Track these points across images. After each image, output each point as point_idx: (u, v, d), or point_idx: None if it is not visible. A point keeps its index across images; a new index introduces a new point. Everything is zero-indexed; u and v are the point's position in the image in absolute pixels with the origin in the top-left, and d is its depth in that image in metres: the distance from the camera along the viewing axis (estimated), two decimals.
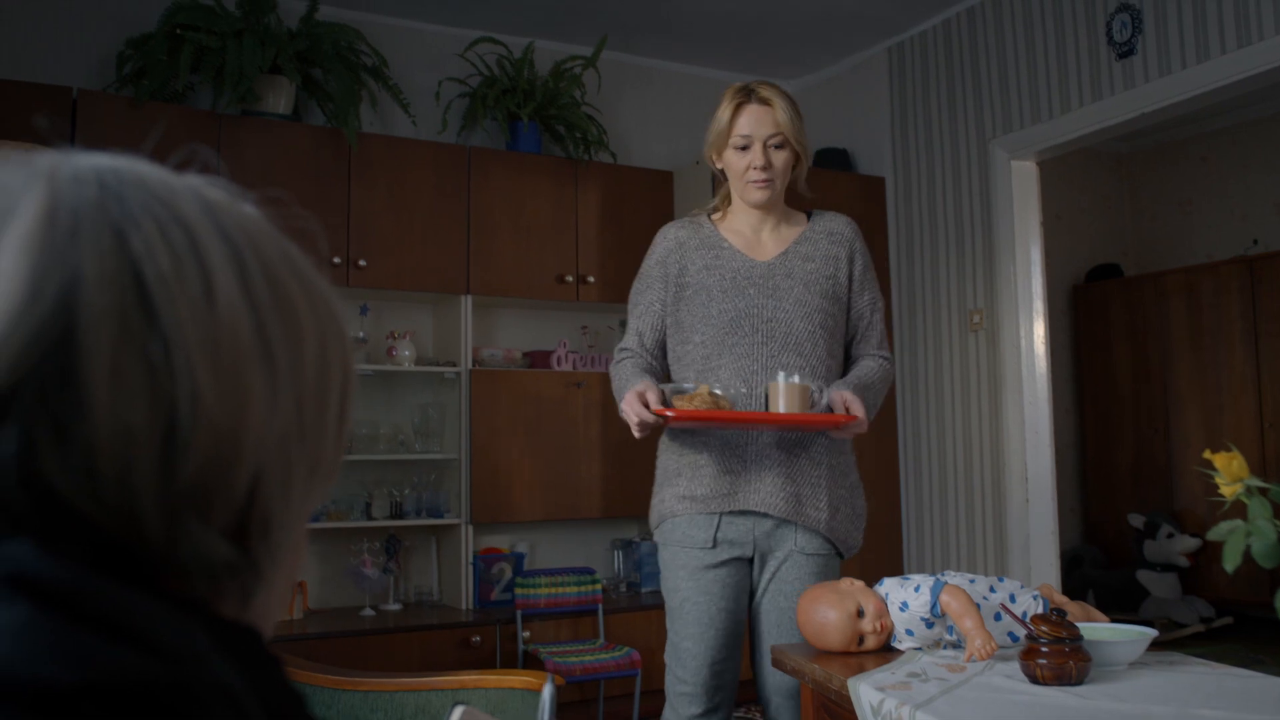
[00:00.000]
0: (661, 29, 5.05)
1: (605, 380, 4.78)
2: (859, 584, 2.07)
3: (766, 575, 2.33)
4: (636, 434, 2.22)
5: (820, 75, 5.67)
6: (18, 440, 0.44)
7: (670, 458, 2.37)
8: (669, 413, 2.14)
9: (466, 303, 4.56)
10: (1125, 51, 4.12)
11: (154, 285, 0.47)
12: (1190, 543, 6.19)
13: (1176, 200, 7.06)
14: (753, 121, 2.31)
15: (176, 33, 4.06)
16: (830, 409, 2.27)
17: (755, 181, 2.33)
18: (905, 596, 2.00)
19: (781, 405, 2.19)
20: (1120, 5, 4.14)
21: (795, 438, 2.31)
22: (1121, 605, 6.13)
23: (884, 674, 1.82)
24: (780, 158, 2.33)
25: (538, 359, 4.80)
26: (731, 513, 2.29)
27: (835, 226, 2.46)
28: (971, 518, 4.79)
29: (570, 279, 4.78)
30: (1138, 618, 5.96)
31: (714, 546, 2.29)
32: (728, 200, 2.46)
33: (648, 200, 5.00)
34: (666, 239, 2.44)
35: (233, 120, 4.16)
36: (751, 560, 2.34)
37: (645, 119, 5.42)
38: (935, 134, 5.05)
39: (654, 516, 2.39)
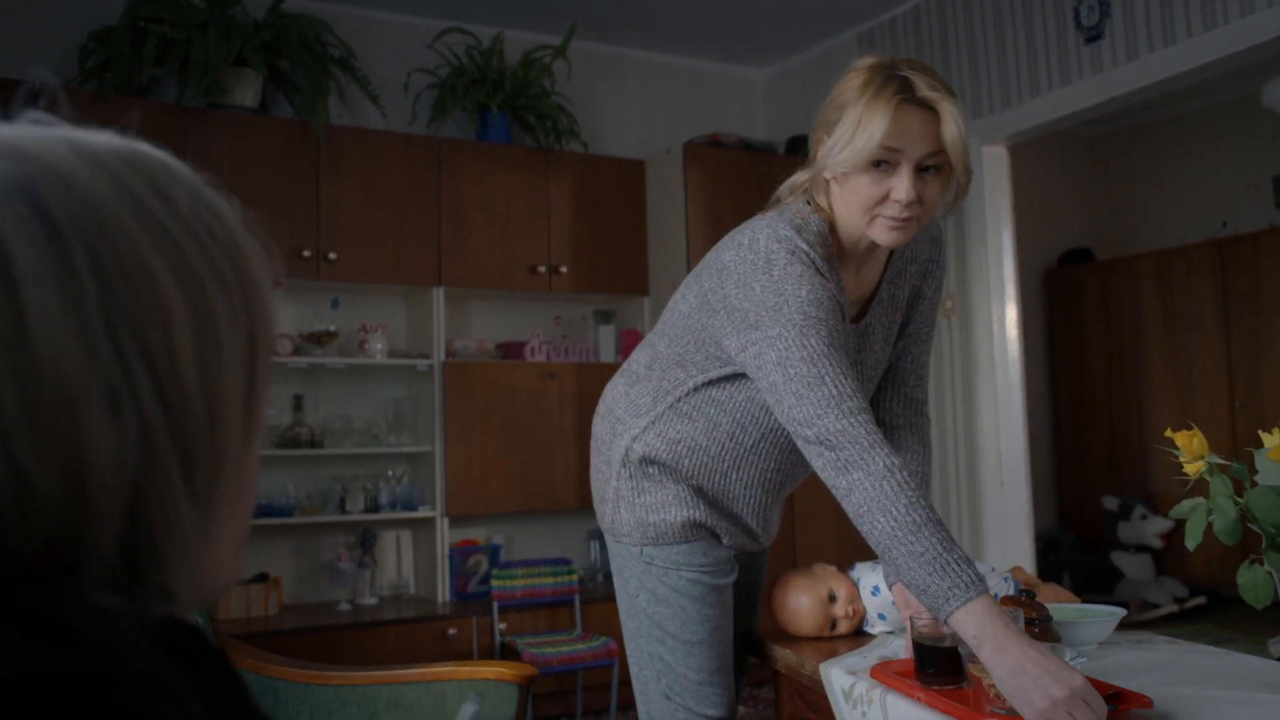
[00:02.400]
0: (631, 17, 5.03)
1: (579, 371, 4.77)
2: (831, 569, 2.07)
3: (750, 569, 2.10)
4: None
5: (790, 63, 5.66)
6: None
7: (664, 468, 1.89)
8: None
9: (439, 295, 4.53)
10: (1093, 36, 4.13)
11: None
12: (1163, 524, 6.24)
13: (1147, 183, 7.11)
14: (912, 128, 1.58)
15: (140, 25, 4.02)
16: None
17: (894, 219, 1.63)
18: (877, 580, 2.01)
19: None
20: None
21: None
22: (1096, 587, 6.17)
23: (855, 658, 1.83)
24: (934, 188, 1.63)
25: (511, 350, 4.78)
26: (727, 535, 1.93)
27: (923, 252, 1.89)
28: (946, 503, 4.81)
29: (543, 270, 4.77)
30: (1112, 599, 6.01)
31: (732, 564, 1.94)
32: (824, 208, 1.73)
33: (620, 190, 4.99)
34: (810, 259, 1.65)
35: (199, 113, 4.12)
36: None
37: (616, 108, 5.40)
38: None
39: (647, 533, 1.89)
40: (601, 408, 2.03)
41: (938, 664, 1.59)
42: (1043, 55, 4.36)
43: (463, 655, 4.16)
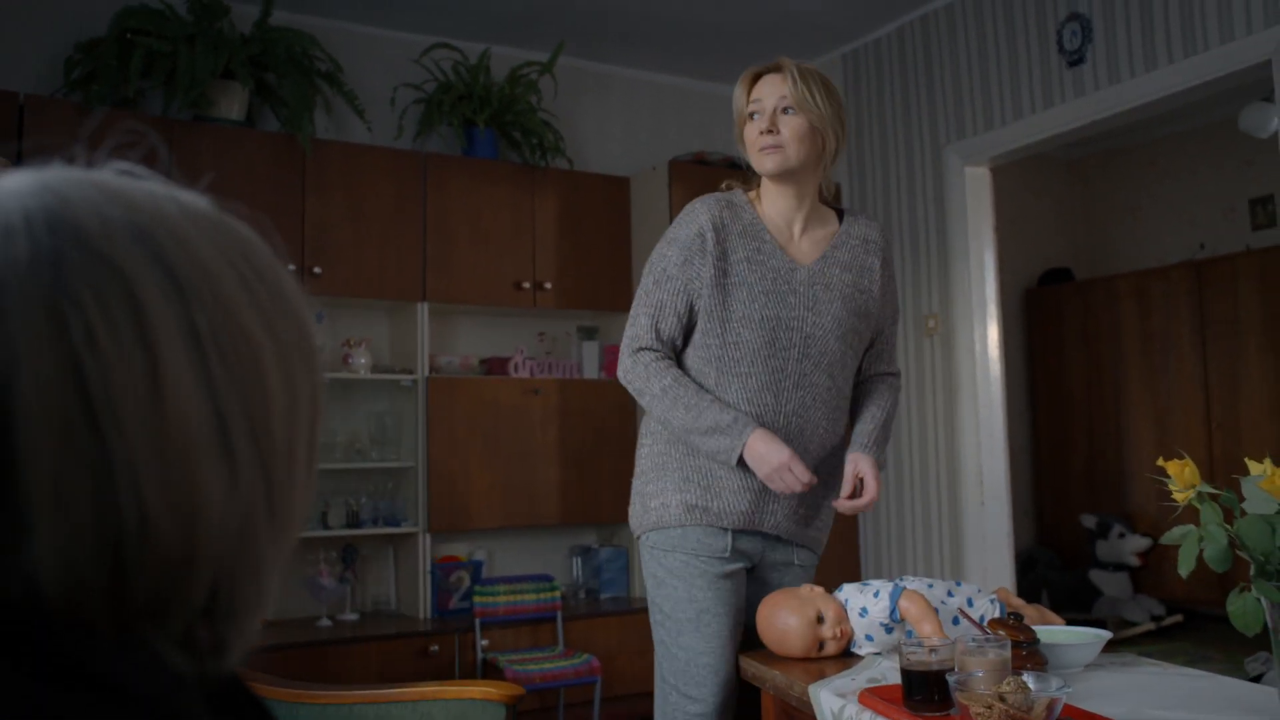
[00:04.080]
0: (618, 35, 5.06)
1: (563, 387, 4.78)
2: (819, 590, 2.08)
3: (769, 585, 2.24)
4: (787, 489, 2.11)
5: None
6: None
7: (674, 457, 2.19)
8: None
9: (423, 310, 4.53)
10: (1075, 60, 4.18)
11: (96, 386, 0.43)
12: (1141, 542, 6.29)
13: (1126, 205, 7.18)
14: (762, 88, 2.18)
15: (127, 37, 4.01)
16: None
17: (764, 148, 2.15)
18: (865, 602, 2.02)
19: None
20: (1070, 14, 4.21)
21: (818, 461, 2.24)
22: (1075, 605, 6.21)
23: (844, 680, 1.84)
24: (790, 125, 2.15)
25: (495, 366, 4.78)
26: (743, 530, 2.19)
27: (870, 233, 2.32)
28: (928, 521, 4.83)
29: (527, 286, 4.77)
30: (1090, 617, 6.05)
31: (730, 555, 2.17)
32: (758, 180, 2.27)
33: (605, 206, 5.00)
34: (702, 216, 2.18)
35: (185, 126, 4.11)
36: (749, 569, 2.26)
37: (602, 125, 5.42)
38: (890, 140, 5.10)
39: (648, 519, 2.20)
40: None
41: (925, 691, 1.60)
42: (1025, 78, 4.41)
43: (444, 672, 4.14)
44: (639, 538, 2.24)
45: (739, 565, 2.21)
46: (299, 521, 0.53)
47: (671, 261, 2.17)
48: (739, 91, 2.22)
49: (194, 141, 4.11)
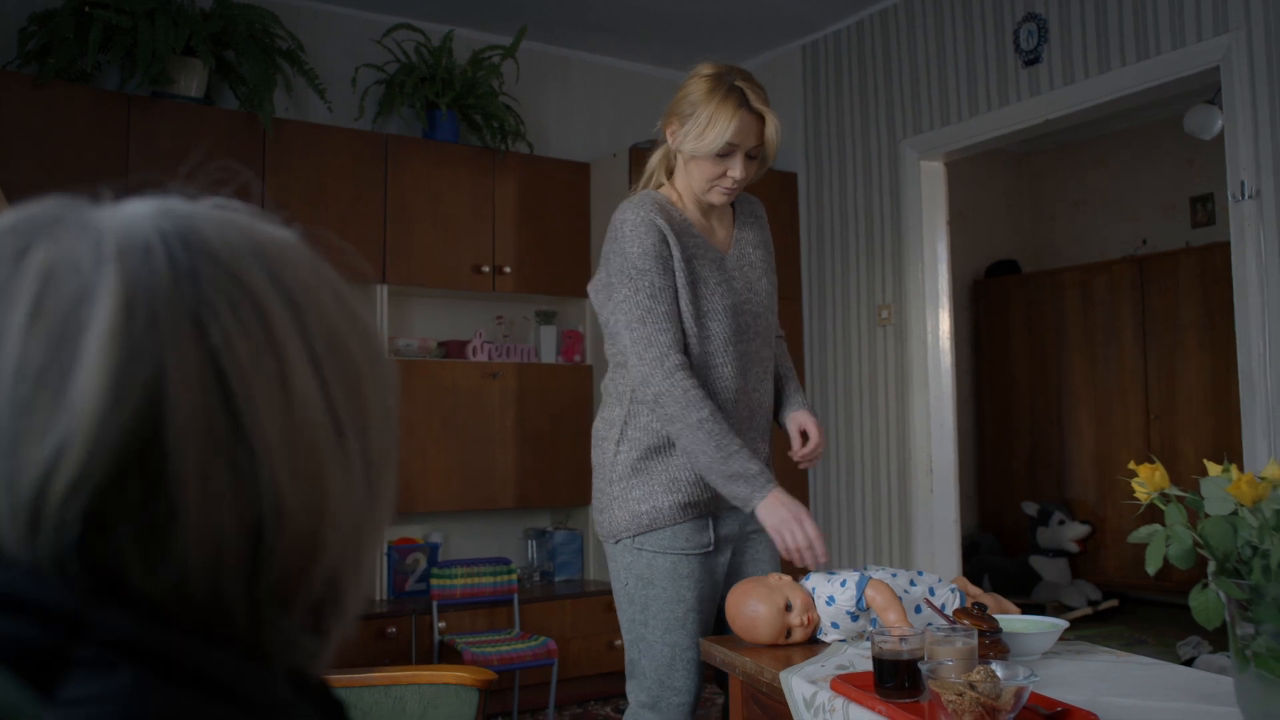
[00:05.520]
0: (580, 20, 5.06)
1: (521, 371, 4.80)
2: (786, 579, 2.13)
3: (743, 556, 2.33)
4: (792, 544, 2.14)
5: None
6: (107, 549, 0.45)
7: (658, 462, 2.24)
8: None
9: (382, 292, 4.52)
10: (1031, 59, 4.27)
11: (236, 384, 0.47)
12: (1080, 529, 6.48)
13: (1072, 200, 7.34)
14: (744, 129, 2.17)
15: (85, 10, 3.94)
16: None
17: (726, 190, 2.23)
18: (831, 591, 2.08)
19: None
20: (1027, 15, 4.29)
21: (760, 431, 2.35)
22: (1015, 589, 6.37)
23: (814, 667, 1.89)
24: (753, 169, 2.25)
25: (453, 349, 4.79)
26: (722, 511, 2.27)
27: (756, 208, 2.45)
28: (878, 508, 4.93)
29: (487, 269, 4.78)
30: (1030, 601, 6.22)
31: (714, 548, 2.26)
32: (667, 176, 2.32)
33: (565, 191, 5.02)
34: (656, 219, 2.20)
35: (143, 102, 4.06)
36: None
37: (563, 110, 5.43)
38: (847, 132, 5.17)
39: (638, 522, 2.22)
40: (593, 439, 2.38)
41: (896, 678, 1.66)
42: (982, 76, 4.49)
43: (402, 654, 4.16)
44: (619, 542, 2.24)
45: (723, 557, 2.28)
46: (388, 517, 0.57)
47: (655, 274, 2.18)
48: (719, 117, 2.15)
49: (153, 119, 4.06)
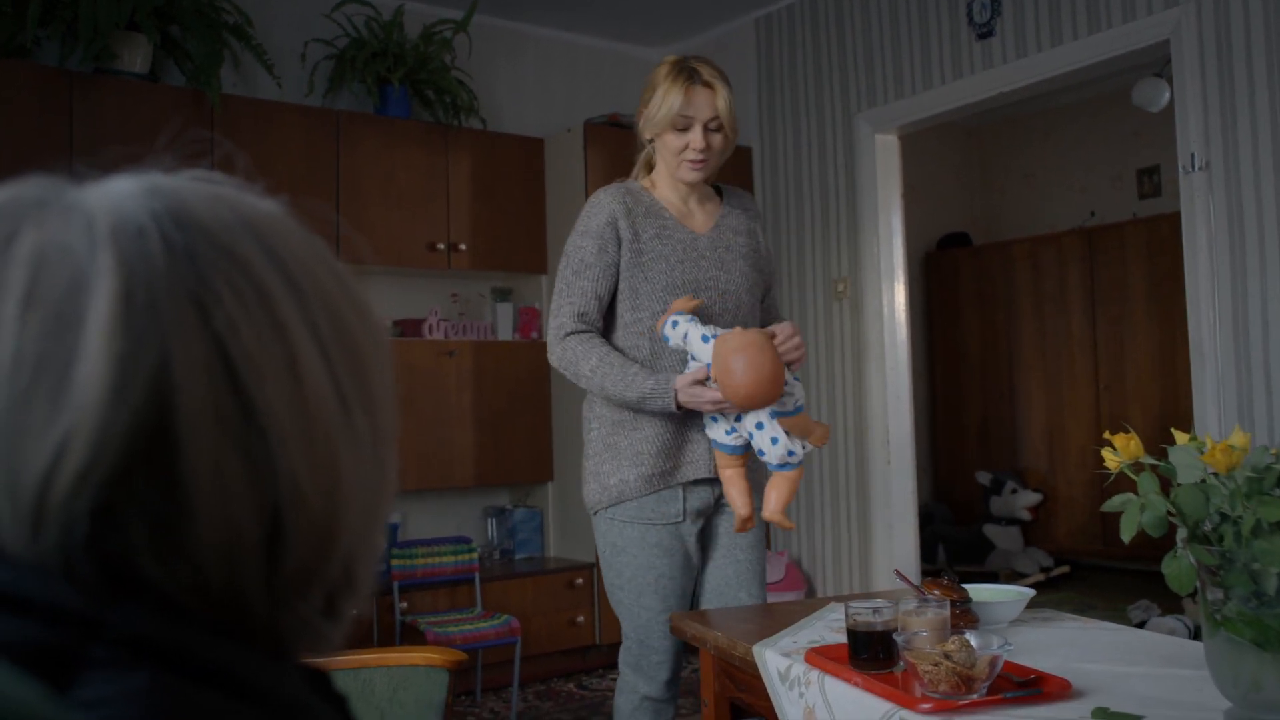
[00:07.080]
0: None
1: (477, 348, 4.77)
2: (749, 331, 2.23)
3: (716, 527, 2.44)
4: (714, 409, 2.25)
5: (688, 45, 5.71)
6: (119, 544, 0.44)
7: (622, 437, 2.36)
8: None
9: None
10: (985, 33, 4.29)
11: (242, 368, 0.45)
12: (1032, 498, 6.58)
13: (1021, 173, 7.41)
14: (695, 104, 2.32)
15: None
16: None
17: (692, 162, 2.35)
18: (760, 419, 2.24)
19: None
20: None
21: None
22: (969, 558, 6.47)
23: (786, 640, 1.91)
24: (717, 140, 2.36)
25: (408, 328, 4.74)
26: (694, 482, 2.37)
27: (747, 203, 2.58)
28: (835, 479, 4.97)
29: (441, 247, 4.73)
30: (984, 569, 6.31)
31: (684, 519, 2.37)
32: (648, 169, 2.48)
33: (519, 167, 4.98)
34: (609, 204, 2.38)
35: (85, 79, 3.95)
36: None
37: (517, 85, 5.37)
38: (801, 106, 5.17)
39: (608, 495, 2.37)
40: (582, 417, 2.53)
41: (870, 649, 1.68)
42: (936, 49, 4.51)
43: (364, 636, 4.14)
44: (596, 513, 2.42)
45: (694, 528, 2.39)
46: (395, 493, 0.56)
47: (588, 251, 2.36)
48: (670, 92, 2.32)
49: (96, 95, 3.95)
